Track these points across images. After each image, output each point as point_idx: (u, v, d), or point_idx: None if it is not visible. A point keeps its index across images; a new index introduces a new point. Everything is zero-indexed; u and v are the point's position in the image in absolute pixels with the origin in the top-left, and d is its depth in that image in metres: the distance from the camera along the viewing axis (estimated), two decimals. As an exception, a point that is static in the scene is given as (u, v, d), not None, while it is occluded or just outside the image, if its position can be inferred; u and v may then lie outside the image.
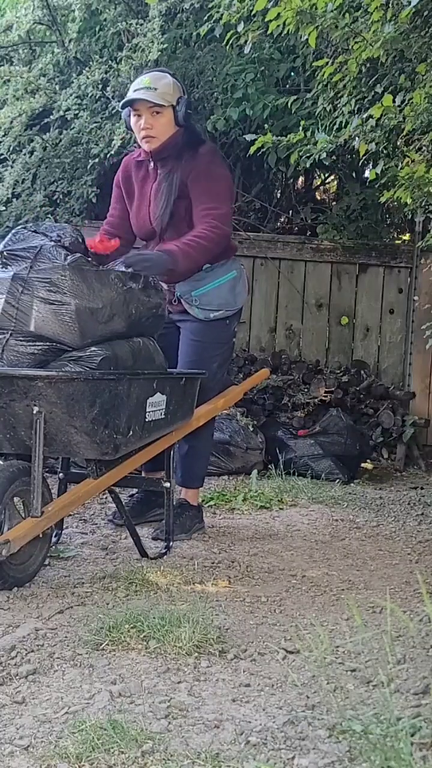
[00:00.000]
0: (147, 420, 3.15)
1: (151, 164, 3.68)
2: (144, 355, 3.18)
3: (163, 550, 3.43)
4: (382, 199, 3.96)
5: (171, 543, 3.47)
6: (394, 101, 3.44)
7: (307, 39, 3.50)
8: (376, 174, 3.89)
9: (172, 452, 3.48)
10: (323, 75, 3.88)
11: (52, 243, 2.99)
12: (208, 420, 3.74)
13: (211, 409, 3.75)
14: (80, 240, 3.06)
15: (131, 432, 3.07)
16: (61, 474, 3.42)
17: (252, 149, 4.04)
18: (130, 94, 3.57)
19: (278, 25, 3.47)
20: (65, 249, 2.99)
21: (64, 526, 3.53)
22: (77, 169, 5.59)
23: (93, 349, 2.96)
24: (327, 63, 3.77)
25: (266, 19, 3.47)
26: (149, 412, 3.16)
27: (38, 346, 2.94)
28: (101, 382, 2.91)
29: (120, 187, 3.83)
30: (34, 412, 2.87)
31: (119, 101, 5.21)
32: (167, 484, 3.43)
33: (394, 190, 3.70)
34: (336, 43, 3.79)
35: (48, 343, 2.94)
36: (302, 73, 5.45)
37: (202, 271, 3.66)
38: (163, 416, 3.26)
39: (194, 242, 3.51)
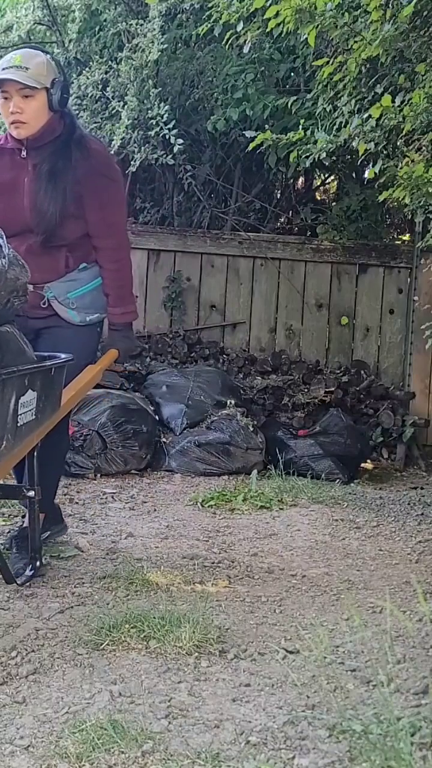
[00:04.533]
0: (19, 425, 2.57)
1: (23, 152, 3.22)
2: (13, 347, 2.60)
3: (30, 572, 2.95)
4: (380, 198, 3.96)
5: (39, 562, 3.00)
6: (393, 101, 3.45)
7: (306, 39, 3.50)
8: (375, 173, 3.89)
9: (35, 454, 2.91)
10: (323, 75, 3.88)
11: None
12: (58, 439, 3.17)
13: (75, 394, 3.15)
14: None
15: (4, 443, 2.48)
16: None
17: (251, 145, 4.03)
18: None
19: (277, 24, 3.47)
20: None
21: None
22: (77, 170, 5.58)
23: None
24: (327, 62, 3.77)
25: (265, 17, 3.48)
26: (21, 414, 2.58)
27: None
28: None
29: None
30: None
31: (119, 101, 5.23)
32: (31, 493, 2.90)
33: (393, 189, 3.70)
34: (335, 42, 3.79)
35: None
36: (302, 73, 5.45)
37: (76, 270, 3.27)
38: (33, 417, 2.70)
39: (122, 280, 3.34)
